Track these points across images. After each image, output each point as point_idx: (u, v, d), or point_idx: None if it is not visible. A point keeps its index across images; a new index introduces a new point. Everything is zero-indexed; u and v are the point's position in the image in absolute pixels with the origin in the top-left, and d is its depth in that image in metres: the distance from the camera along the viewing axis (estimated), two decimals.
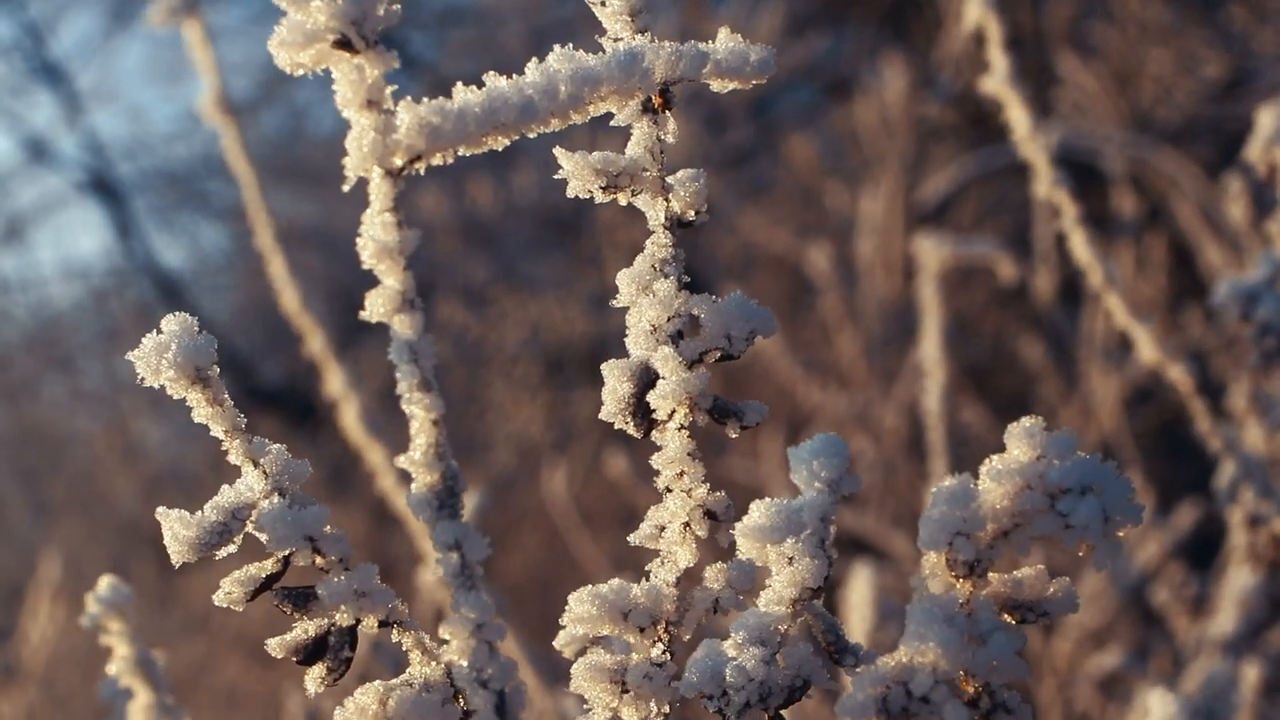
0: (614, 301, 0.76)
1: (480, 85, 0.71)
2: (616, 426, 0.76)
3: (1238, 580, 1.91)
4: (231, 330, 11.13)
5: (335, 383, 1.73)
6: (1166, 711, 1.02)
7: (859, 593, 1.97)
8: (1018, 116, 1.27)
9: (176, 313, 0.73)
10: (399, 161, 0.66)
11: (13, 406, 12.58)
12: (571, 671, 0.74)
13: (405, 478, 1.67)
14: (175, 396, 0.73)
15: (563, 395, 6.71)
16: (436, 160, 0.67)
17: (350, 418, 1.72)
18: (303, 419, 9.19)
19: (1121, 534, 0.66)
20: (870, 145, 4.17)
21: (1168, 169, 3.13)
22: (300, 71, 0.66)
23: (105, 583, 1.09)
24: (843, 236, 4.83)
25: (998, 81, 1.23)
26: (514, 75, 0.71)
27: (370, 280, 0.72)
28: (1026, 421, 0.68)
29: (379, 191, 0.65)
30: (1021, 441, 0.67)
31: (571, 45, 0.80)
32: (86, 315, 12.49)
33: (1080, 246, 1.27)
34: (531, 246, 7.92)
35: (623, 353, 0.78)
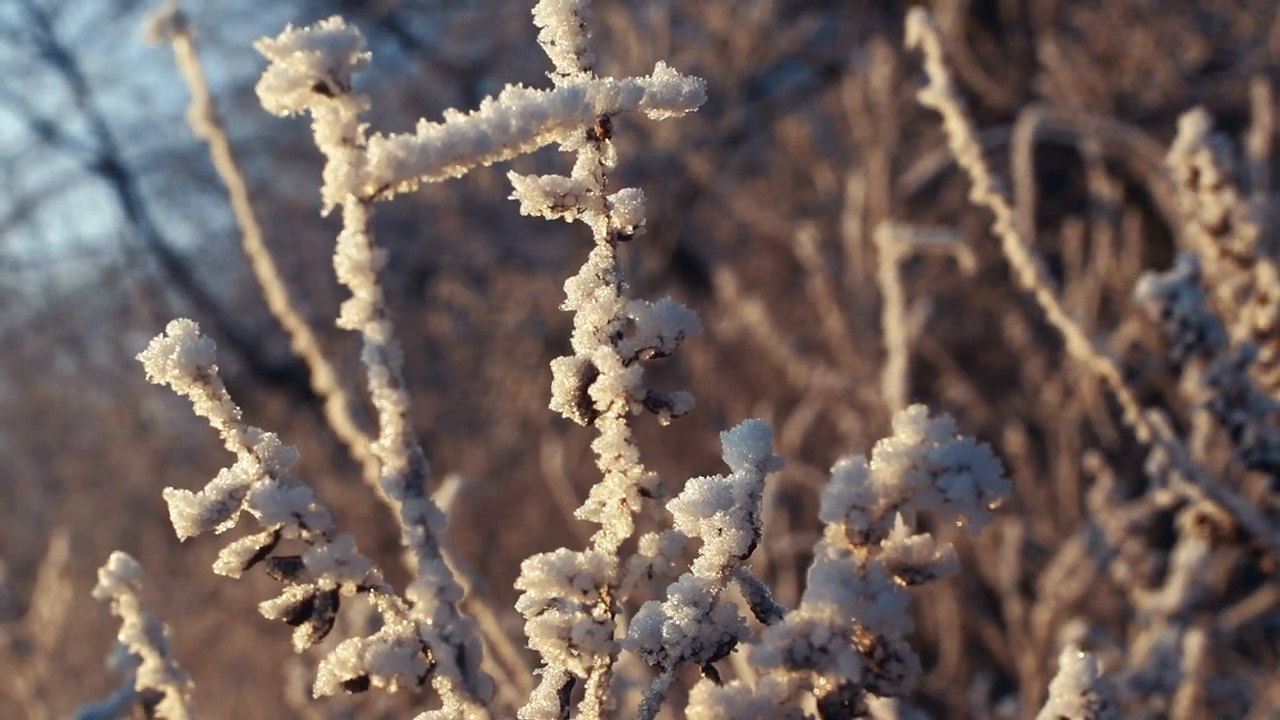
0: (562, 305, 0.87)
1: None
2: (564, 415, 0.87)
3: (1185, 555, 2.02)
4: (237, 308, 11.24)
5: (323, 378, 1.83)
6: (1074, 669, 1.12)
7: None
8: (956, 127, 1.37)
9: (182, 319, 0.84)
10: (370, 190, 0.76)
11: (24, 384, 12.72)
12: (525, 629, 0.85)
13: None
14: (179, 392, 0.84)
15: None
16: (403, 188, 0.78)
17: (337, 411, 1.81)
18: (309, 396, 9.31)
19: (993, 505, 0.77)
20: (858, 129, 4.27)
21: (1144, 151, 3.23)
22: (284, 112, 0.77)
23: (115, 558, 1.20)
24: (835, 217, 4.93)
25: (936, 95, 1.33)
26: (470, 113, 0.82)
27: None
28: (912, 410, 0.78)
29: (353, 216, 0.76)
30: (908, 427, 0.78)
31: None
32: (95, 294, 12.62)
33: (1014, 249, 1.37)
34: (531, 226, 8.01)
35: None
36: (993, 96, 4.46)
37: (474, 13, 8.17)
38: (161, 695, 1.59)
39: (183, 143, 11.61)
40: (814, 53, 5.54)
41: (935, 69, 1.34)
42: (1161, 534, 3.05)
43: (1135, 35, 4.09)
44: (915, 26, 1.43)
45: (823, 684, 0.78)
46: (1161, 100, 4.00)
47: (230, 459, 0.87)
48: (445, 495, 2.05)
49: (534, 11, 0.89)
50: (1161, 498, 1.48)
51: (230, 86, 11.07)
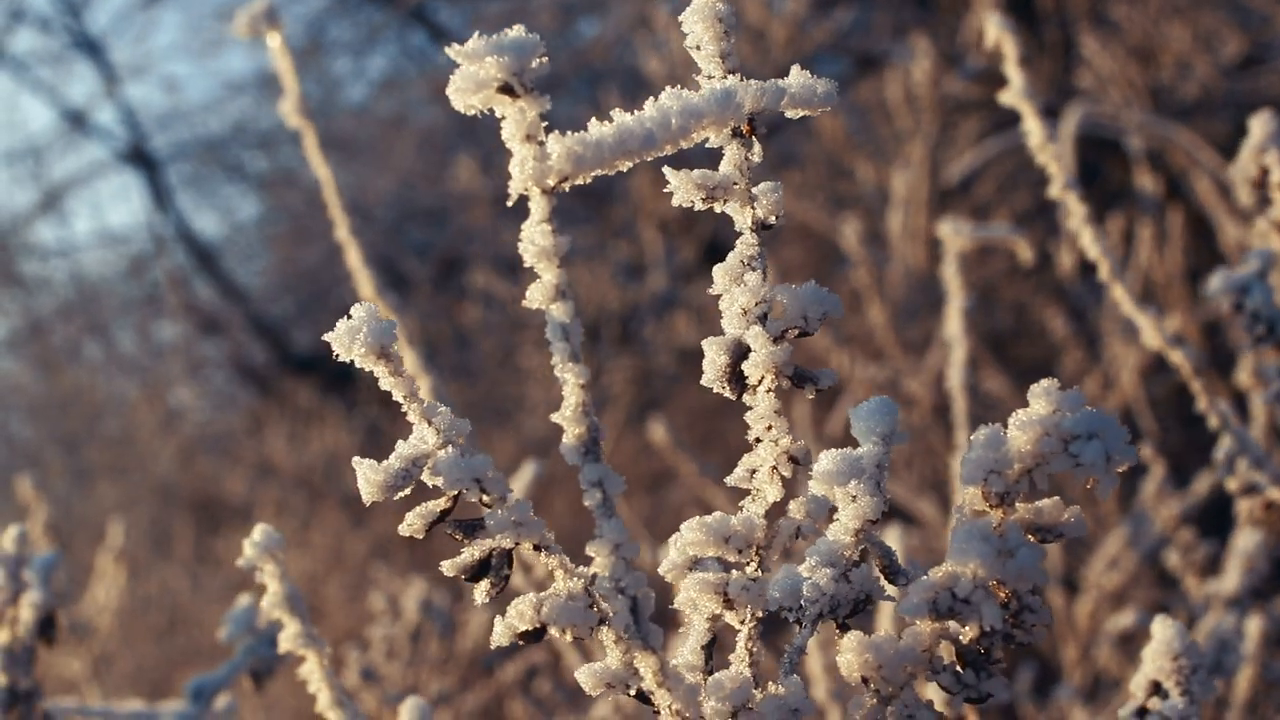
0: (710, 290, 0.95)
1: None
2: (715, 390, 0.94)
3: (1243, 542, 2.09)
4: (264, 297, 11.33)
5: (409, 362, 1.90)
6: (1166, 636, 1.19)
7: None
8: (1033, 127, 1.43)
9: (364, 303, 0.91)
10: (552, 183, 0.84)
11: (52, 372, 12.81)
12: (681, 586, 0.93)
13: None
14: (365, 369, 0.91)
15: (595, 363, 6.89)
16: (580, 180, 0.85)
17: (424, 394, 1.88)
18: (337, 384, 9.39)
19: (1120, 470, 0.84)
20: (900, 121, 4.33)
21: (1186, 145, 3.28)
22: (472, 111, 0.85)
23: (260, 528, 1.28)
24: (872, 208, 4.99)
25: (1014, 96, 1.39)
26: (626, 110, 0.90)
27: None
28: (1045, 382, 0.86)
29: (538, 206, 0.84)
30: (1041, 398, 0.86)
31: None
32: (123, 282, 12.72)
33: (1090, 244, 1.44)
34: (563, 216, 8.07)
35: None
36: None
37: (503, 3, 8.23)
38: (268, 667, 1.68)
39: (211, 132, 11.71)
40: (848, 45, 5.60)
41: (1013, 71, 1.40)
42: (1205, 523, 3.11)
43: (1172, 28, 4.14)
44: (992, 30, 1.49)
45: (965, 633, 0.86)
46: (1199, 94, 4.06)
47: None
48: (523, 480, 2.12)
49: (680, 19, 0.97)
50: (1229, 484, 1.55)
51: (257, 76, 11.12)
